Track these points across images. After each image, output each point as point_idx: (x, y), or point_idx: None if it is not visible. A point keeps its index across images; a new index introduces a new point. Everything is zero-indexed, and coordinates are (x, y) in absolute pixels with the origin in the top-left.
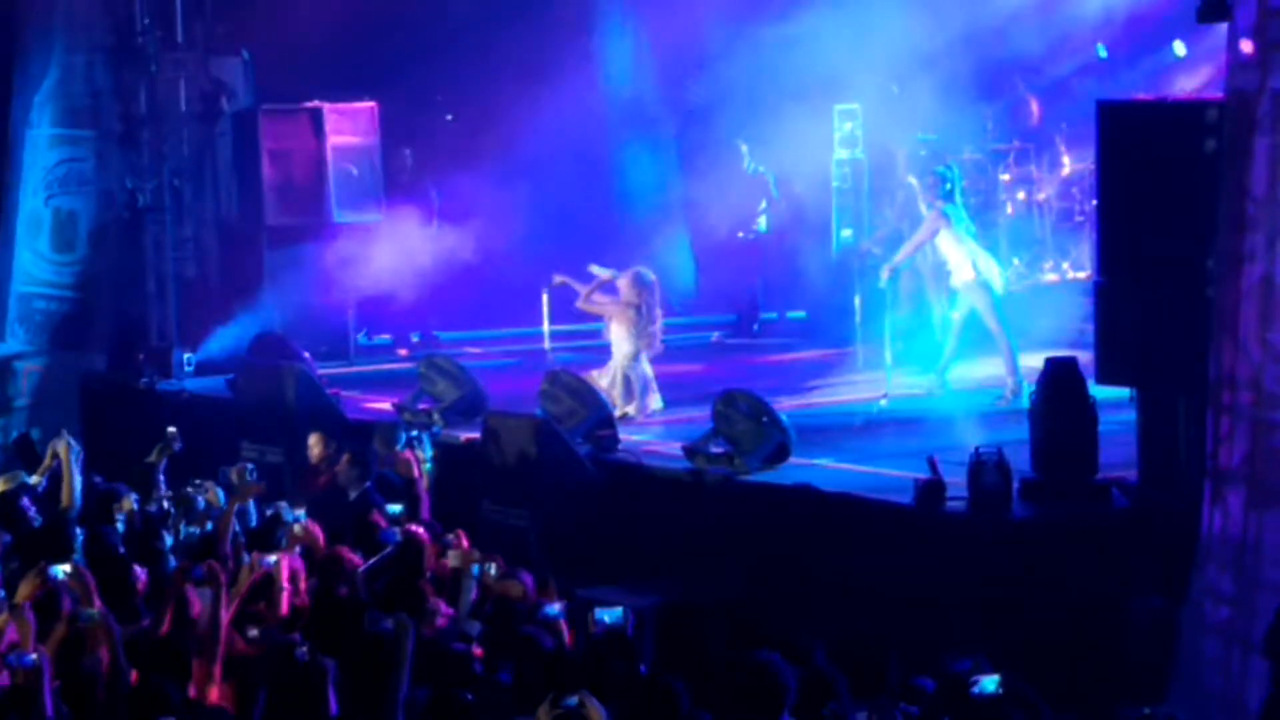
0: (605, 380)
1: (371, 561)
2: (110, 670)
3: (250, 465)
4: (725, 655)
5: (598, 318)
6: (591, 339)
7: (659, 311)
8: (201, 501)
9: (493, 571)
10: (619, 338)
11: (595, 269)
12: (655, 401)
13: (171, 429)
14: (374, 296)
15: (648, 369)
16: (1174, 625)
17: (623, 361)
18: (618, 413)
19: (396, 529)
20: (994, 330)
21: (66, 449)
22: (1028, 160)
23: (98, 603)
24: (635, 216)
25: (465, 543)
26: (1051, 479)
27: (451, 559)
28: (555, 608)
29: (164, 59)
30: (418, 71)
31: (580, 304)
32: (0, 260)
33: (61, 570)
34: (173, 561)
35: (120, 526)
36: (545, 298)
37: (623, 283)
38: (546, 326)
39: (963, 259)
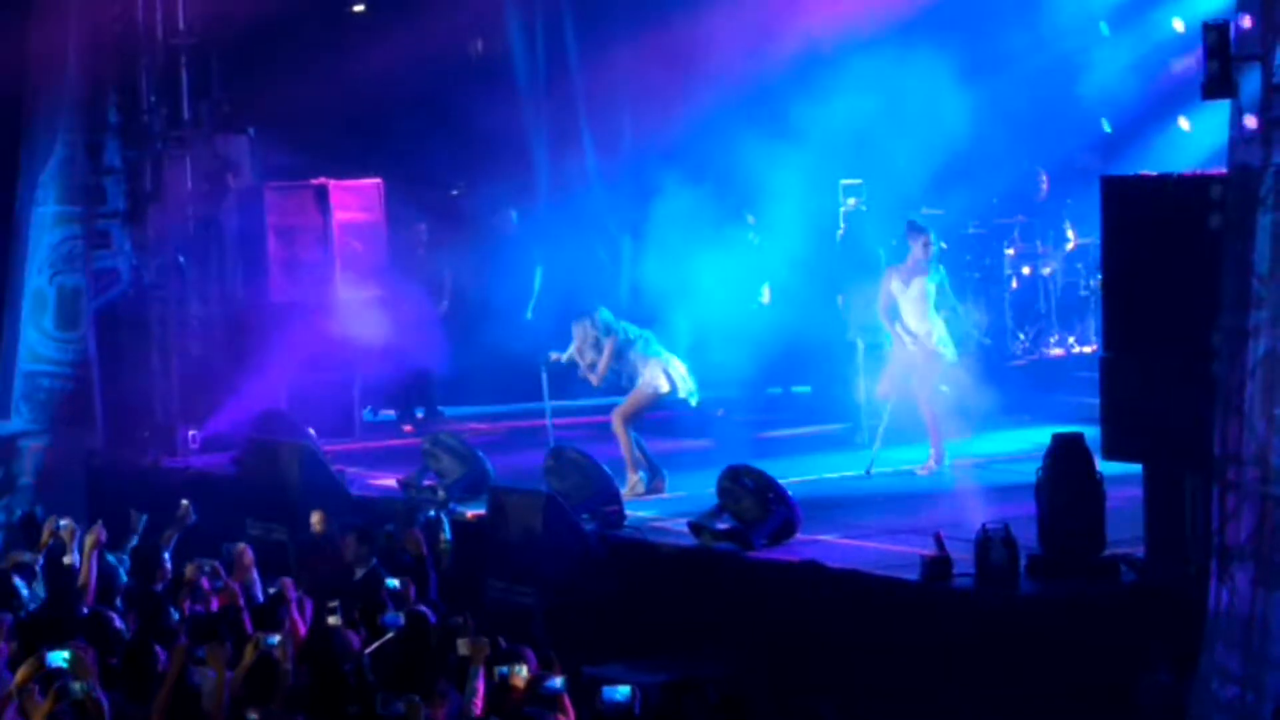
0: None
1: (378, 643)
2: None
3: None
4: None
5: (599, 391)
6: (596, 415)
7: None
8: (205, 580)
9: (523, 673)
10: (627, 407)
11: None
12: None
13: (185, 501)
14: (379, 373)
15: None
16: (1182, 703)
17: (627, 433)
18: (629, 490)
19: (400, 613)
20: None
21: (72, 533)
22: (1033, 235)
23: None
24: (639, 289)
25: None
26: (1058, 555)
27: (461, 648)
28: (557, 682)
29: (169, 137)
30: (423, 147)
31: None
32: (6, 338)
33: (61, 656)
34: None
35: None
36: (544, 376)
37: (608, 347)
38: (547, 403)
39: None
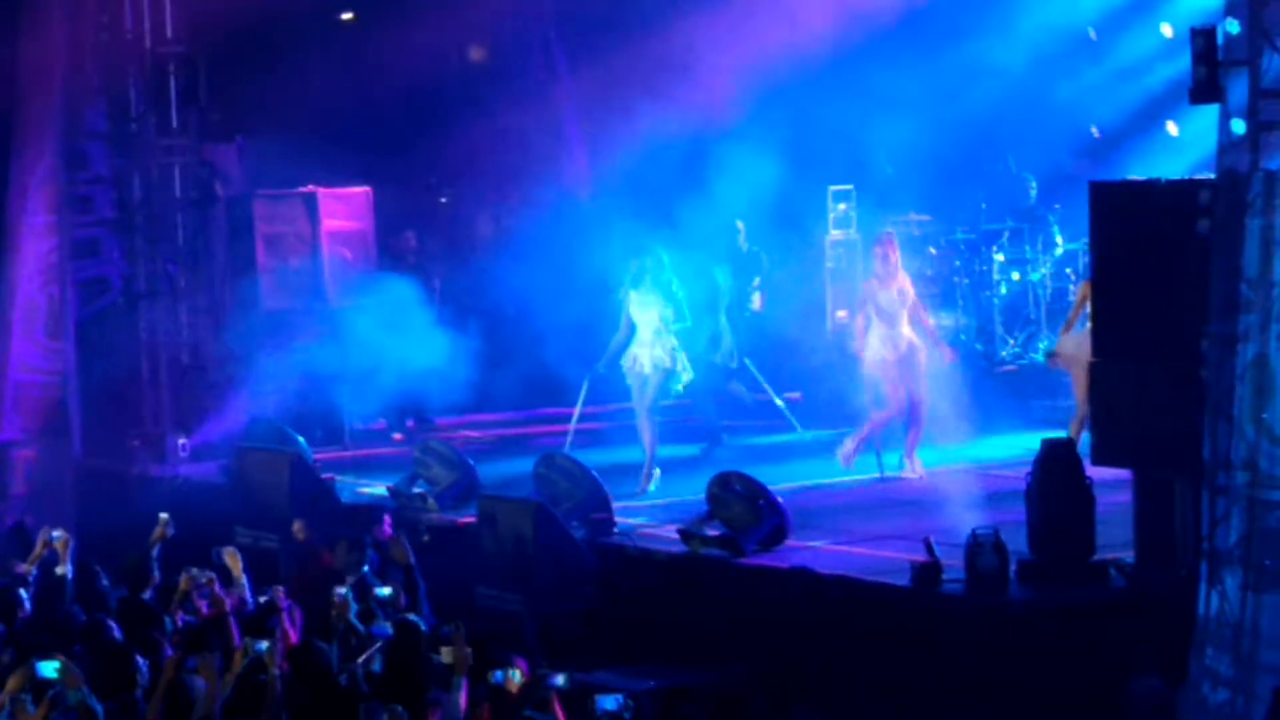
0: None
1: (369, 652)
2: None
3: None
4: None
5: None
6: (614, 420)
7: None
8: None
9: (516, 678)
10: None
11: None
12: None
13: (164, 515)
14: (368, 381)
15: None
16: (1173, 707)
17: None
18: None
19: (388, 624)
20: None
21: (65, 544)
22: (1021, 240)
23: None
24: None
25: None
26: (1048, 560)
27: (444, 656)
28: (559, 679)
29: (158, 145)
30: (411, 155)
31: None
32: None
33: (50, 667)
34: (169, 650)
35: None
36: (586, 384)
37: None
38: (578, 409)
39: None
